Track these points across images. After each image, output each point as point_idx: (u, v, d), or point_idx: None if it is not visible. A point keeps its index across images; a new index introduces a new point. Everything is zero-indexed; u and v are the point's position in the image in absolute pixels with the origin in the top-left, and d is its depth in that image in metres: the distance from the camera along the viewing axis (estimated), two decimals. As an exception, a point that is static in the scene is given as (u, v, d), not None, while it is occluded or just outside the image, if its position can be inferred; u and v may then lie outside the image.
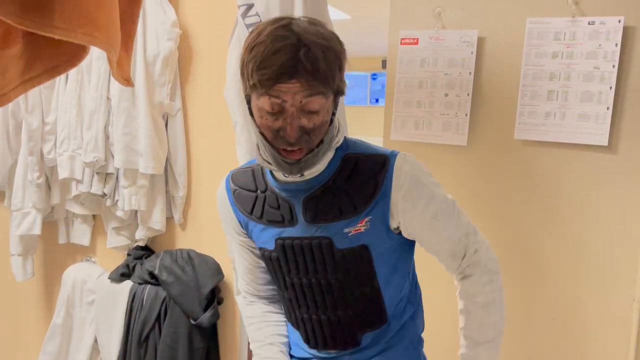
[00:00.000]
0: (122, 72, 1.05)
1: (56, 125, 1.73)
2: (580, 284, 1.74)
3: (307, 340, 1.15)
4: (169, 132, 1.70)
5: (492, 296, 1.09)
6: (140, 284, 1.70)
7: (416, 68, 2.52)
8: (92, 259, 1.91)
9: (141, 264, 1.72)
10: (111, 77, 1.64)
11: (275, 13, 1.41)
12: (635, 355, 1.96)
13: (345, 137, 1.09)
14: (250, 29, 1.43)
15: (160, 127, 1.66)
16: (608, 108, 2.10)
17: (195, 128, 1.72)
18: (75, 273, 1.82)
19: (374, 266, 1.07)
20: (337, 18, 5.64)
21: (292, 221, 1.08)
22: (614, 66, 2.06)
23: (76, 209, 1.81)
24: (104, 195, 1.69)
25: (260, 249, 1.14)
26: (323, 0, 1.52)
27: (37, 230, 1.81)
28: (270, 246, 1.11)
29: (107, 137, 1.66)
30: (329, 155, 1.03)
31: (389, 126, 2.63)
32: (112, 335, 1.71)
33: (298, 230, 1.08)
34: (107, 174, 1.69)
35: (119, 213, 1.70)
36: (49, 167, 1.80)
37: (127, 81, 1.07)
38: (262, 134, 0.98)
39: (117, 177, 1.69)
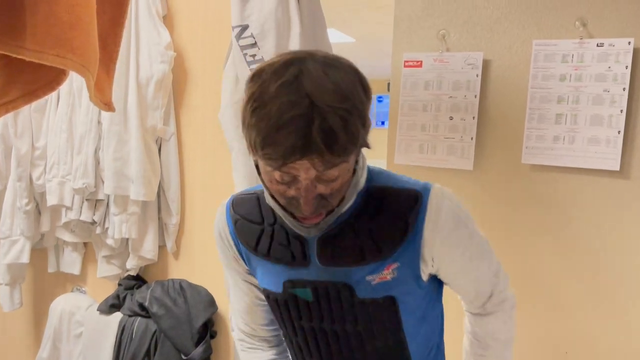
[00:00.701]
0: (101, 96, 0.99)
1: (46, 150, 1.69)
2: (594, 315, 1.66)
3: None
4: (162, 157, 1.64)
5: (511, 333, 1.03)
6: (130, 316, 1.63)
7: (420, 91, 2.46)
8: (83, 289, 1.85)
9: (132, 295, 1.65)
10: (102, 100, 1.59)
11: (270, 35, 1.36)
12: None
13: (368, 167, 0.95)
14: (245, 52, 1.39)
15: (152, 152, 1.60)
16: (619, 132, 2.04)
17: (189, 153, 1.67)
18: (63, 304, 1.75)
19: (401, 318, 0.95)
20: (341, 41, 5.64)
21: (305, 261, 0.94)
22: (624, 89, 2.00)
23: (66, 236, 1.75)
24: (94, 222, 1.64)
25: (264, 289, 1.01)
26: (321, 23, 1.48)
27: (25, 258, 1.75)
28: (278, 289, 0.98)
29: (97, 163, 1.61)
30: (351, 201, 0.90)
31: (392, 149, 2.57)
32: (100, 371, 1.64)
33: (311, 273, 0.94)
34: (97, 201, 1.63)
35: (109, 241, 1.64)
36: (39, 193, 1.75)
37: (108, 105, 1.01)
38: (273, 197, 0.85)
39: (107, 204, 1.64)
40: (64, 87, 1.64)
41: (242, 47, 1.38)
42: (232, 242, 1.01)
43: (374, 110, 9.10)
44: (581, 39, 2.00)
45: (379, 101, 8.79)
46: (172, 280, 1.64)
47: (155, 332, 1.57)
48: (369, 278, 0.91)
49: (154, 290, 1.60)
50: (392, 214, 0.90)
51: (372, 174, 0.94)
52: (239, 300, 1.09)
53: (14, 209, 1.74)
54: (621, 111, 2.02)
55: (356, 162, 0.85)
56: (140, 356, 1.57)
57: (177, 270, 1.71)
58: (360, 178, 0.89)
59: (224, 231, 1.01)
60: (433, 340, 1.04)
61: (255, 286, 1.05)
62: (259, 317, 1.08)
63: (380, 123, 8.81)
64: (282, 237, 0.94)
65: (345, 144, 0.76)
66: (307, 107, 0.74)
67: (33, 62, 0.79)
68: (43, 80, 0.89)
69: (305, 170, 0.77)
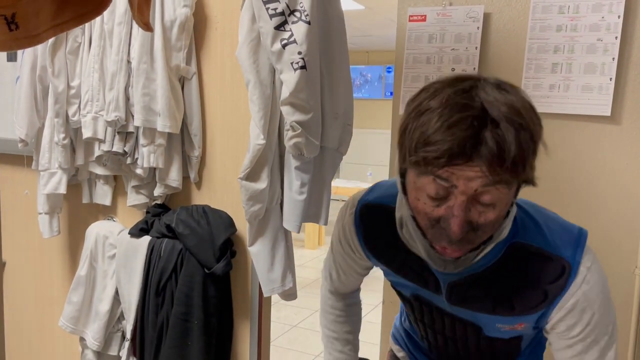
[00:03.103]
0: (142, 17, 1.15)
1: (80, 89, 1.85)
2: None
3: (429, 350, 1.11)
4: (185, 95, 1.80)
5: None
6: (158, 237, 1.80)
7: (424, 44, 2.60)
8: (114, 219, 2.03)
9: (159, 219, 1.82)
10: (131, 41, 1.74)
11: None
12: (637, 322, 2.02)
13: (515, 218, 0.86)
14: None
15: (176, 89, 1.76)
16: (611, 79, 2.16)
17: (209, 91, 1.82)
18: (97, 229, 1.93)
19: (521, 347, 0.99)
20: (351, 8, 5.70)
21: (437, 291, 0.92)
22: (616, 38, 2.12)
23: (99, 170, 1.92)
24: (125, 153, 1.80)
25: (391, 281, 1.03)
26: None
27: (62, 189, 1.92)
28: (407, 293, 1.00)
29: (127, 98, 1.77)
30: (488, 248, 0.82)
31: (398, 100, 2.71)
32: (132, 287, 1.82)
33: (440, 302, 0.93)
34: (128, 133, 1.80)
35: (139, 171, 1.80)
36: (74, 130, 1.92)
37: (147, 25, 1.17)
38: (414, 217, 0.79)
39: (136, 137, 1.80)
40: (95, 31, 1.79)
41: (258, -12, 1.52)
42: (358, 248, 1.00)
43: (382, 81, 9.13)
44: (578, -12, 2.09)
45: (388, 72, 8.85)
46: (196, 205, 1.81)
47: (181, 250, 1.75)
48: (498, 325, 0.90)
49: (179, 213, 1.77)
50: (532, 281, 0.84)
51: (517, 227, 0.86)
52: (343, 274, 1.13)
53: (52, 144, 1.91)
54: (613, 59, 2.15)
55: (511, 204, 0.78)
56: (168, 271, 1.75)
57: (200, 199, 1.88)
58: (504, 228, 0.81)
59: (351, 237, 1.00)
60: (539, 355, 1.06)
61: (363, 271, 1.10)
62: (353, 285, 1.16)
63: (389, 94, 8.88)
64: (416, 264, 0.91)
65: (516, 158, 0.69)
66: (480, 110, 0.69)
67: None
68: (91, 5, 1.05)
69: (466, 180, 0.70)
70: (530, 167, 0.73)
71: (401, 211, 0.87)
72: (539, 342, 1.04)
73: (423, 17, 2.55)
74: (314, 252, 5.87)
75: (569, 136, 2.09)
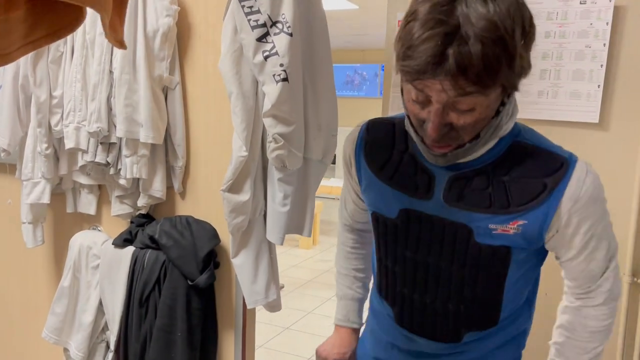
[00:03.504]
0: (115, 34, 1.13)
1: (63, 98, 1.83)
2: None
3: (399, 320, 1.05)
4: (169, 105, 1.79)
5: (604, 324, 0.98)
6: (141, 248, 1.80)
7: (413, 49, 2.58)
8: (98, 228, 2.02)
9: (143, 230, 1.81)
10: (114, 51, 1.73)
11: (265, -12, 1.48)
12: (626, 327, 2.02)
13: (515, 122, 0.93)
14: (243, 3, 1.51)
15: (159, 100, 1.75)
16: (599, 86, 2.16)
17: (193, 101, 1.81)
18: (81, 240, 1.92)
19: (508, 270, 0.95)
20: (345, 8, 5.69)
21: (427, 194, 0.94)
22: (604, 45, 2.12)
23: (83, 179, 1.91)
24: (108, 164, 1.79)
25: (373, 213, 1.04)
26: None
27: (46, 199, 1.91)
28: (392, 214, 0.99)
29: (110, 109, 1.75)
30: (490, 144, 0.89)
31: (387, 106, 2.71)
32: (116, 297, 1.81)
33: (431, 207, 0.95)
34: (110, 144, 1.79)
35: (122, 181, 1.79)
36: (57, 139, 1.91)
37: (120, 43, 1.15)
38: (408, 117, 0.88)
39: (119, 147, 1.79)
40: (77, 40, 1.78)
41: (240, 0, 1.51)
42: (353, 162, 1.05)
43: (378, 79, 9.12)
44: (566, -5, 2.08)
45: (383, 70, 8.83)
46: (179, 216, 1.80)
47: (164, 262, 1.74)
48: (491, 226, 0.90)
49: (162, 224, 1.76)
50: (531, 173, 0.89)
51: (520, 128, 0.93)
52: (348, 203, 1.19)
53: (35, 153, 1.89)
54: (601, 66, 2.14)
55: (502, 104, 0.83)
56: (151, 283, 1.74)
57: (184, 209, 1.87)
58: (504, 124, 0.87)
59: (351, 149, 1.06)
60: (522, 299, 1.02)
61: (362, 205, 1.13)
62: (360, 218, 1.19)
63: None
64: (410, 166, 0.96)
65: (480, 72, 0.74)
66: (452, 27, 0.74)
67: (56, 6, 0.93)
68: (64, 22, 1.04)
69: (436, 92, 0.77)
70: (511, 74, 0.78)
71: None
72: (524, 275, 0.98)
73: (412, 22, 2.53)
74: (308, 252, 5.86)
75: (557, 143, 2.09)
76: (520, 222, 0.89)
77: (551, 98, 2.27)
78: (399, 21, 2.58)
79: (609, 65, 2.11)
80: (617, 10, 2.04)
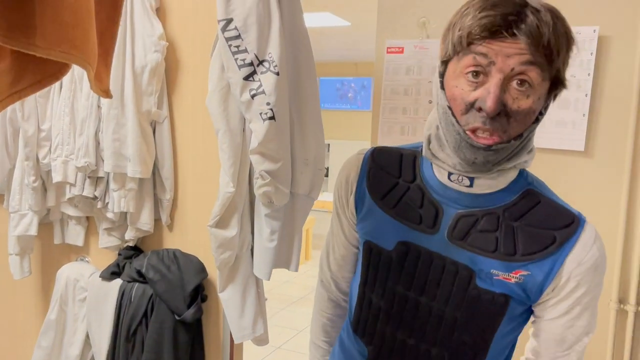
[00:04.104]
0: (100, 84, 1.14)
1: (51, 132, 1.84)
2: None
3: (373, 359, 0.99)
4: (157, 139, 1.79)
5: None
6: (129, 282, 1.79)
7: (401, 76, 2.62)
8: (86, 259, 2.01)
9: (130, 263, 1.81)
10: (102, 86, 1.73)
11: (252, 28, 1.50)
12: (613, 353, 2.04)
13: (528, 172, 0.92)
14: (230, 43, 1.53)
15: (148, 134, 1.75)
16: (584, 115, 2.19)
17: (181, 135, 1.82)
18: (68, 272, 1.92)
19: (502, 320, 0.90)
20: (337, 25, 5.73)
21: (432, 229, 0.90)
22: (589, 74, 2.15)
23: (70, 210, 1.91)
24: (95, 197, 1.79)
25: (367, 242, 0.98)
26: (299, 13, 1.61)
27: (33, 231, 1.91)
28: (388, 246, 0.94)
29: (97, 143, 1.76)
30: (512, 174, 0.87)
31: (376, 131, 2.73)
32: (103, 331, 1.81)
33: (434, 243, 0.90)
34: (98, 178, 1.79)
35: (110, 215, 1.80)
36: (45, 171, 1.91)
37: (106, 92, 1.16)
38: (449, 108, 0.82)
39: (107, 181, 1.79)
40: (66, 76, 1.78)
41: (227, 39, 1.52)
42: (354, 187, 0.99)
43: (370, 91, 9.15)
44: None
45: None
46: (167, 249, 1.80)
47: (151, 296, 1.74)
48: (493, 271, 0.87)
49: (150, 258, 1.76)
50: (542, 223, 0.86)
51: (532, 177, 0.91)
52: (337, 248, 1.09)
53: (22, 185, 1.89)
54: (586, 95, 2.18)
55: (545, 107, 0.82)
56: (138, 317, 1.74)
57: (172, 241, 1.87)
58: (526, 152, 0.85)
59: (353, 172, 1.00)
60: (502, 357, 0.98)
61: (354, 242, 1.05)
62: (346, 272, 1.10)
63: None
64: (416, 198, 0.91)
65: (550, 41, 0.75)
66: (521, 0, 0.77)
67: (41, 57, 0.94)
68: (50, 70, 1.04)
69: (504, 57, 0.75)
70: (563, 63, 0.79)
71: (430, 128, 0.90)
72: (510, 332, 0.94)
73: (401, 50, 2.57)
74: (300, 268, 5.85)
75: (543, 170, 2.11)
76: (524, 273, 0.86)
77: (538, 126, 2.29)
78: (387, 48, 2.61)
79: (594, 95, 2.14)
80: (601, 40, 2.07)
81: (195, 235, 1.83)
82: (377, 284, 0.96)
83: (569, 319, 0.89)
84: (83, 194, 1.79)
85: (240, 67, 1.52)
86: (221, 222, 1.62)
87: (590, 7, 2.05)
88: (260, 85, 1.51)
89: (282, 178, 1.57)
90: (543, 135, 2.26)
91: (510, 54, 0.75)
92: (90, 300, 1.85)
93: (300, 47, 1.61)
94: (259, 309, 1.73)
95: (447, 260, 0.89)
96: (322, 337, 1.19)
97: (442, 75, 0.84)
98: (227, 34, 1.52)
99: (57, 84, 1.82)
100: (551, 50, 0.75)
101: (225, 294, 1.68)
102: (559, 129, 2.22)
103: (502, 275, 0.86)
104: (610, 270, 2.05)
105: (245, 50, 1.51)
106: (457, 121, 0.81)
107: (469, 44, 0.78)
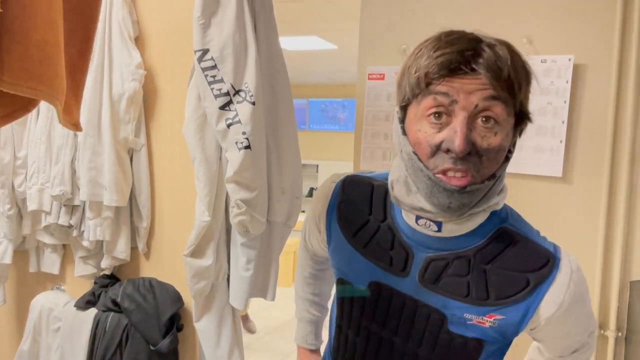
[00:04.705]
0: (70, 118, 1.14)
1: (27, 160, 1.83)
2: None
3: None
4: (134, 166, 1.79)
5: None
6: (104, 311, 1.77)
7: (383, 102, 2.64)
8: (62, 287, 1.99)
9: (106, 292, 1.79)
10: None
11: (229, 58, 1.51)
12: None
13: (505, 204, 0.88)
14: (206, 73, 1.54)
15: (124, 162, 1.75)
16: (561, 141, 2.21)
17: (158, 162, 1.81)
18: (42, 301, 1.89)
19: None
20: (324, 48, 5.79)
21: (402, 272, 0.87)
22: (565, 102, 2.18)
23: (46, 238, 1.89)
24: (71, 226, 1.78)
25: (340, 279, 0.96)
26: (277, 46, 1.62)
27: (8, 259, 1.89)
28: (361, 284, 0.92)
29: (74, 172, 1.75)
30: (481, 217, 0.83)
31: (358, 156, 2.74)
32: (77, 361, 1.78)
33: (405, 286, 0.88)
34: (74, 206, 1.78)
35: (85, 243, 1.78)
36: (21, 199, 1.89)
37: (76, 126, 1.16)
38: (415, 153, 0.78)
39: (83, 209, 1.78)
40: (43, 103, 1.78)
41: (204, 69, 1.53)
42: (324, 219, 0.97)
43: (349, 114, 9.21)
44: (527, 54, 2.16)
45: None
46: (143, 278, 1.78)
47: (126, 325, 1.72)
48: (467, 316, 0.84)
49: (125, 287, 1.74)
50: (515, 265, 0.82)
51: (509, 212, 0.88)
52: (312, 239, 1.09)
53: (-2, 213, 1.88)
54: (563, 122, 2.21)
55: (513, 145, 0.80)
56: (112, 348, 1.71)
57: (148, 269, 1.85)
58: (499, 190, 0.82)
59: (322, 206, 0.97)
60: None
61: (325, 250, 1.03)
62: (321, 252, 1.11)
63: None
64: (387, 239, 0.88)
65: (510, 75, 0.72)
66: (475, 36, 0.75)
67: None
68: (19, 104, 1.04)
69: (466, 94, 0.72)
70: (525, 97, 0.76)
71: (394, 174, 0.86)
72: None
73: (382, 76, 2.60)
74: (286, 290, 5.79)
75: (522, 196, 2.13)
76: (498, 317, 0.83)
77: (516, 152, 2.30)
78: (369, 74, 2.64)
79: (570, 122, 2.17)
80: (576, 68, 2.11)
81: (172, 264, 1.82)
82: (352, 321, 0.95)
83: (561, 338, 0.88)
84: (58, 223, 1.78)
85: (216, 96, 1.52)
86: (197, 251, 1.61)
87: (566, 37, 2.09)
88: (237, 115, 1.52)
89: (258, 207, 1.56)
90: (521, 162, 2.28)
91: (471, 90, 0.72)
92: (64, 330, 1.82)
93: (276, 75, 1.62)
94: (235, 339, 1.71)
95: (419, 304, 0.87)
96: (306, 289, 1.23)
97: (402, 120, 0.81)
98: (204, 64, 1.53)
99: (34, 112, 1.82)
100: (512, 83, 0.73)
101: (201, 323, 1.66)
102: (537, 155, 2.25)
103: (476, 319, 0.84)
104: (591, 297, 2.06)
105: (222, 80, 1.52)
106: (425, 166, 0.77)
107: (428, 84, 0.74)
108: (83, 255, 1.84)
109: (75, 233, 1.79)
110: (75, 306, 1.82)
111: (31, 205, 1.79)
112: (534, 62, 2.15)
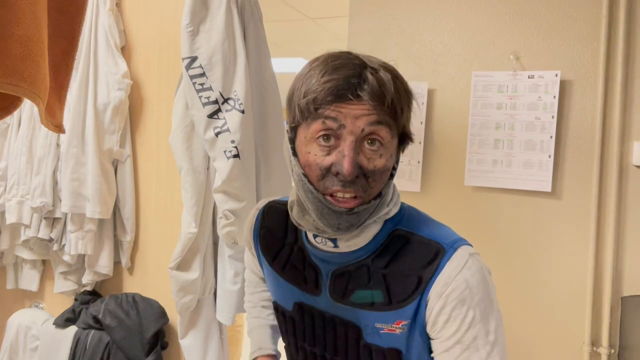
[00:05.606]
0: (52, 119, 1.10)
1: (7, 171, 1.77)
2: (532, 327, 1.78)
3: None
4: (118, 178, 1.74)
5: None
6: (84, 328, 1.69)
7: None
8: (40, 305, 1.91)
9: (86, 309, 1.72)
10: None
11: (217, 66, 1.49)
12: (587, 400, 1.99)
13: (401, 207, 0.89)
14: (194, 80, 1.51)
15: (109, 173, 1.70)
16: (550, 156, 2.21)
17: (144, 174, 1.77)
18: (20, 319, 1.81)
19: None
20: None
21: (316, 290, 0.90)
22: (553, 117, 2.19)
23: (25, 254, 1.82)
24: (51, 239, 1.71)
25: (274, 302, 1.00)
26: (266, 54, 1.61)
27: (-16, 275, 1.81)
28: (288, 307, 0.95)
29: (55, 183, 1.70)
30: (374, 228, 0.84)
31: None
32: (54, 383, 1.69)
33: (322, 303, 0.90)
34: (55, 219, 1.72)
35: (66, 257, 1.71)
36: (-1, 213, 1.83)
37: (58, 127, 1.12)
38: (305, 175, 0.79)
39: (64, 222, 1.72)
40: (25, 113, 1.74)
41: (192, 77, 1.50)
42: (252, 246, 1.02)
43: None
44: (514, 71, 2.17)
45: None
46: (126, 293, 1.72)
47: (108, 343, 1.64)
48: (378, 325, 0.84)
49: (107, 303, 1.68)
50: (409, 265, 0.82)
51: (404, 214, 0.88)
52: (250, 272, 1.14)
53: (-26, 227, 1.81)
54: (551, 137, 2.21)
55: (397, 162, 0.83)
56: (93, 367, 1.64)
57: (132, 285, 1.79)
58: (389, 199, 0.84)
59: (248, 234, 1.02)
60: None
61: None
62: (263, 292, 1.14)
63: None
64: (299, 260, 0.91)
65: (393, 99, 0.76)
66: (360, 61, 0.77)
67: (-9, 91, 0.90)
68: (1, 105, 1.00)
69: (353, 119, 0.75)
70: (407, 119, 0.80)
71: (292, 195, 0.88)
72: None
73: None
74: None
75: (511, 211, 2.11)
76: (404, 322, 0.82)
77: (505, 167, 2.30)
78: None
79: (558, 137, 2.17)
80: (563, 84, 2.12)
81: (156, 279, 1.75)
82: (290, 341, 0.99)
83: (450, 336, 0.80)
84: (38, 236, 1.71)
85: (204, 104, 1.49)
86: (182, 265, 1.56)
87: (552, 52, 2.11)
88: (225, 123, 1.49)
89: (246, 218, 1.52)
90: (511, 176, 2.27)
91: (358, 115, 0.75)
92: (42, 349, 1.74)
93: (267, 87, 1.60)
94: (222, 356, 1.65)
95: (336, 319, 0.89)
96: (250, 299, 1.19)
97: (292, 141, 0.82)
98: (192, 72, 1.50)
99: (15, 122, 1.77)
100: (395, 108, 0.77)
101: (187, 340, 1.60)
102: (526, 170, 2.24)
103: (387, 328, 0.84)
104: (581, 312, 2.03)
105: (210, 88, 1.49)
106: (315, 188, 0.79)
107: (317, 108, 0.76)
108: (64, 270, 1.77)
109: (55, 247, 1.72)
110: (54, 324, 1.74)
111: (10, 218, 1.72)
112: (521, 78, 2.17)
